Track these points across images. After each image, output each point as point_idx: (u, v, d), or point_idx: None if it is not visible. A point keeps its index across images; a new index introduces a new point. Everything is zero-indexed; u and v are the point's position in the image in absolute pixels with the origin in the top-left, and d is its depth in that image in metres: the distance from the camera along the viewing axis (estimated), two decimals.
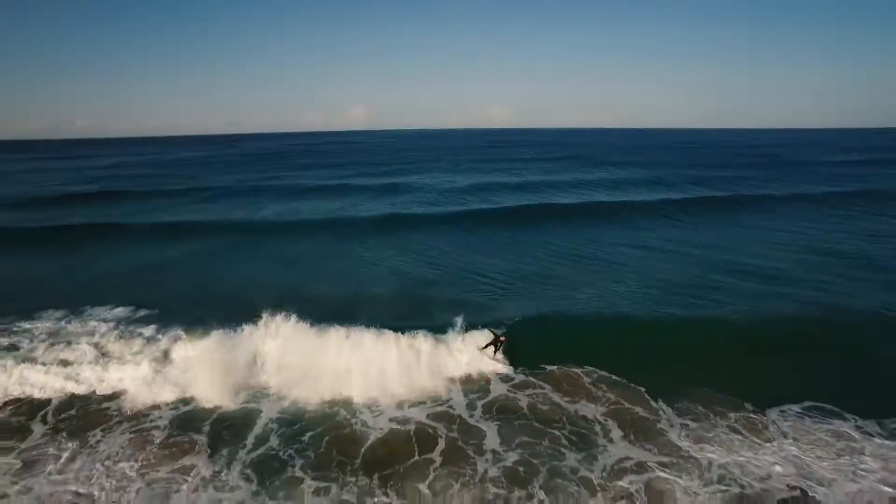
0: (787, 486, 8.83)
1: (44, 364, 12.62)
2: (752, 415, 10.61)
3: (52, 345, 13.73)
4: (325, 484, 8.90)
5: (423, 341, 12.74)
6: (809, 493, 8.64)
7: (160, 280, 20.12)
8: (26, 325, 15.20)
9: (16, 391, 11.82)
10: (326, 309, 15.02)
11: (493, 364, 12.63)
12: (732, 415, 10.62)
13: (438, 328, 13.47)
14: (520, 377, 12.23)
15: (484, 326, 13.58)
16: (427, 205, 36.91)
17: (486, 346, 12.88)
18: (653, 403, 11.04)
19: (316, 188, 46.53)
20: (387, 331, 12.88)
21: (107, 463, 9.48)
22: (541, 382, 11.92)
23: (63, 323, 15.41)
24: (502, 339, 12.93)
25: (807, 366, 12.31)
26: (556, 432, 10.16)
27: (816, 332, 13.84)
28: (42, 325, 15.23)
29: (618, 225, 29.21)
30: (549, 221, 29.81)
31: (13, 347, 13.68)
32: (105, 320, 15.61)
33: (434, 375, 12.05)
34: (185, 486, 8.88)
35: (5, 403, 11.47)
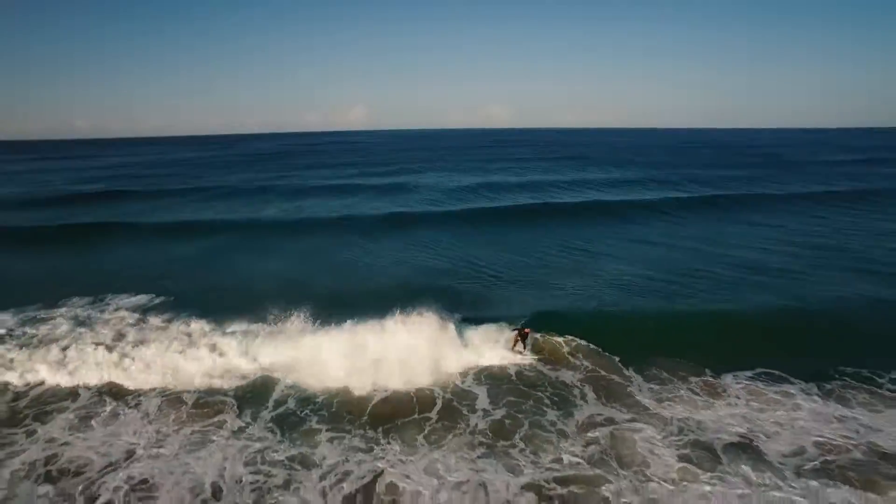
0: (737, 435, 10.26)
1: (76, 344, 13.96)
2: (710, 379, 12.12)
3: (83, 328, 15.22)
4: (339, 434, 10.38)
5: (427, 332, 13.09)
6: (754, 442, 10.07)
7: (174, 274, 21.32)
8: (55, 312, 16.60)
9: (55, 367, 13.09)
10: (333, 302, 16.25)
11: (520, 358, 13.11)
12: (693, 379, 12.11)
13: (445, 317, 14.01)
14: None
15: (503, 322, 14.25)
16: (431, 203, 38.20)
17: (514, 344, 13.37)
18: (625, 371, 12.53)
19: (320, 188, 47.80)
20: (389, 322, 13.44)
21: (147, 418, 10.97)
22: (526, 352, 13.36)
23: (89, 310, 16.84)
24: (527, 330, 13.42)
25: (762, 339, 13.83)
26: (539, 394, 11.64)
27: (773, 312, 15.54)
28: (70, 312, 16.63)
29: (617, 221, 30.61)
30: (551, 219, 31.17)
31: (46, 331, 15.03)
32: (125, 308, 16.97)
33: (436, 366, 12.56)
34: (217, 437, 10.33)
35: (48, 378, 12.79)
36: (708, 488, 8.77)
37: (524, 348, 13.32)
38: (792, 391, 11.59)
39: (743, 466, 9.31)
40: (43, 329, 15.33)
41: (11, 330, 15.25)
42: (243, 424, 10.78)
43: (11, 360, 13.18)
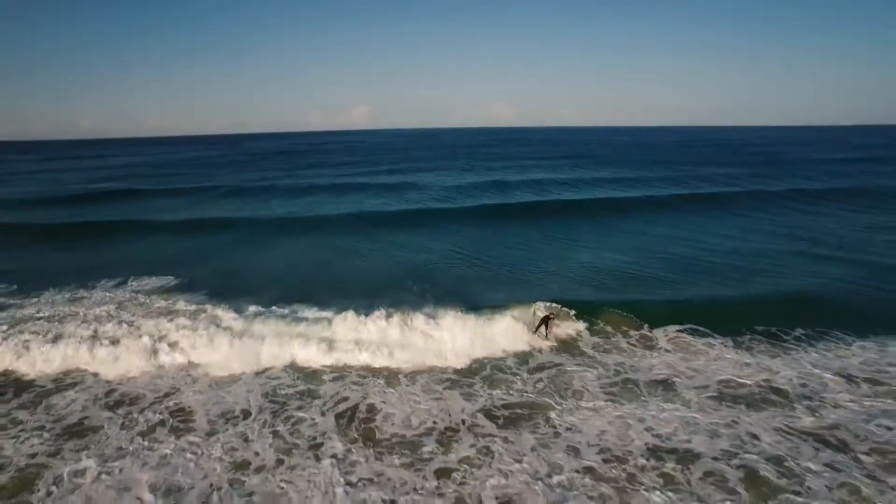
0: (662, 375, 12.66)
1: (111, 317, 16.36)
2: (647, 332, 14.58)
3: (109, 306, 17.66)
4: (338, 375, 13.01)
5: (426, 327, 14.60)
6: (671, 380, 12.44)
7: (190, 264, 22.97)
8: (85, 294, 18.93)
9: (100, 336, 15.42)
10: (336, 293, 17.89)
11: (545, 343, 14.22)
12: (633, 333, 14.60)
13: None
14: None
15: (502, 311, 15.18)
16: (435, 200, 39.58)
17: (538, 328, 14.40)
18: (576, 326, 14.99)
19: (325, 186, 49.58)
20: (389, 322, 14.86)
21: (182, 367, 13.56)
22: (550, 337, 14.96)
23: (116, 292, 19.15)
24: (551, 315, 14.43)
25: (699, 305, 16.18)
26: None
27: (715, 285, 18.12)
28: (99, 294, 18.88)
29: (614, 217, 32.41)
30: (550, 215, 32.78)
31: (81, 309, 17.37)
32: (145, 292, 19.07)
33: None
34: (241, 378, 12.93)
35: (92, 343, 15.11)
36: (622, 412, 11.18)
37: (546, 334, 14.33)
38: (713, 342, 14.05)
39: (658, 397, 11.74)
40: (78, 307, 17.67)
41: (52, 311, 17.45)
42: (261, 369, 13.36)
43: (59, 333, 15.35)
